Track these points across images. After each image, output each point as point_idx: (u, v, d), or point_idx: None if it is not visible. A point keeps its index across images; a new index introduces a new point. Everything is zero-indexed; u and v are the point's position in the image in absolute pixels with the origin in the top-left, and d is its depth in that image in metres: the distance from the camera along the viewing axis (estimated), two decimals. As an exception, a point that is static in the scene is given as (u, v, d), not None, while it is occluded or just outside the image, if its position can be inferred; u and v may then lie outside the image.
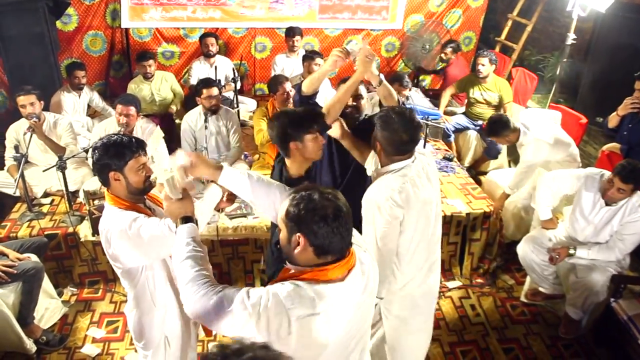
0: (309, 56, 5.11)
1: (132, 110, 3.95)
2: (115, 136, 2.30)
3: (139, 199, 2.35)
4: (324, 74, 2.83)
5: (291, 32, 5.74)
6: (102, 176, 2.26)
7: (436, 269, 2.66)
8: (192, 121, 4.35)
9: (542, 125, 4.16)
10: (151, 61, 5.38)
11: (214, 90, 4.20)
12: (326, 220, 1.56)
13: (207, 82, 4.25)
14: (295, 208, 1.58)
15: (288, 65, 5.82)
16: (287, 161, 2.46)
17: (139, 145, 2.27)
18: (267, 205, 2.07)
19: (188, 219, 1.92)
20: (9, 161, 4.04)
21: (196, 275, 1.67)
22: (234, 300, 1.55)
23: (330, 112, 2.69)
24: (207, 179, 2.22)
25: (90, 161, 2.31)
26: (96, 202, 3.68)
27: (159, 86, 5.49)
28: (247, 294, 1.57)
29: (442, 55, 6.20)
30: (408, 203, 2.35)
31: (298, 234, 1.58)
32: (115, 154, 2.19)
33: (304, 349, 1.58)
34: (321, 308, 1.55)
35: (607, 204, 3.42)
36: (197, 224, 1.94)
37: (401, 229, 2.39)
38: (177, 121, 5.41)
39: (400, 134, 2.34)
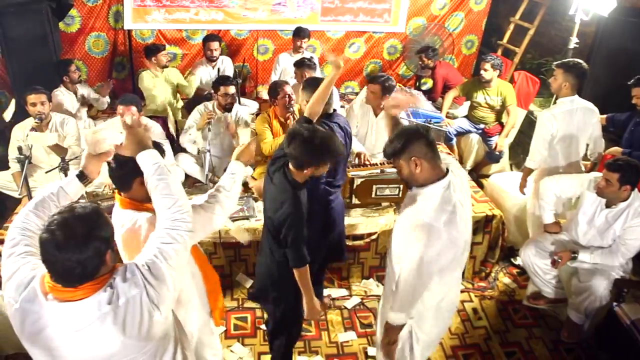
0: (300, 65, 4.98)
1: (134, 109, 3.96)
2: None
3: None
4: (325, 91, 2.96)
5: (301, 33, 5.66)
6: (126, 182, 2.21)
7: (461, 277, 2.67)
8: (198, 116, 4.41)
9: None
10: (164, 51, 5.45)
11: (231, 89, 4.35)
12: (46, 250, 1.53)
13: (224, 79, 4.45)
14: (43, 232, 1.56)
15: (290, 65, 5.77)
16: (294, 171, 2.61)
17: (161, 151, 2.25)
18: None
19: (82, 173, 2.10)
20: (13, 164, 4.03)
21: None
22: None
23: (312, 114, 2.94)
24: None
25: (110, 166, 2.27)
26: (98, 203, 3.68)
27: (165, 83, 5.50)
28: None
29: (420, 62, 6.20)
30: (461, 223, 2.31)
31: None
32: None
33: None
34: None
35: (607, 206, 3.44)
36: (83, 181, 2.09)
37: (450, 250, 2.32)
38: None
39: (420, 138, 2.31)
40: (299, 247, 2.63)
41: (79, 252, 1.52)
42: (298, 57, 5.58)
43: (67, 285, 1.57)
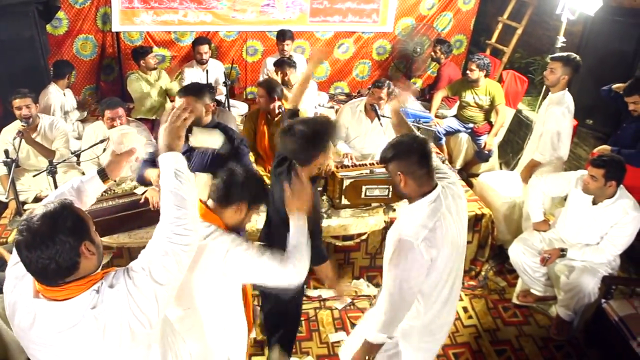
0: (280, 64, 5.08)
1: (120, 111, 3.94)
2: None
3: None
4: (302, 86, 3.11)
5: (282, 36, 5.66)
6: (230, 203, 2.19)
7: (455, 299, 2.50)
8: None
9: None
10: (152, 53, 5.49)
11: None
12: (19, 251, 1.54)
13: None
14: (15, 235, 1.56)
15: None
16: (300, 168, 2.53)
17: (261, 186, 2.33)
18: None
19: (102, 171, 2.12)
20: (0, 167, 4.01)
21: None
22: None
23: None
24: None
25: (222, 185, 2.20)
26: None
27: (154, 85, 5.50)
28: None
29: (433, 53, 6.22)
30: (442, 241, 2.17)
31: None
32: (259, 192, 2.27)
33: None
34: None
35: (594, 203, 3.47)
36: (103, 179, 2.10)
37: (430, 270, 2.19)
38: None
39: (411, 155, 2.19)
40: (318, 244, 2.67)
41: (46, 247, 1.50)
42: None
43: (49, 284, 1.56)
